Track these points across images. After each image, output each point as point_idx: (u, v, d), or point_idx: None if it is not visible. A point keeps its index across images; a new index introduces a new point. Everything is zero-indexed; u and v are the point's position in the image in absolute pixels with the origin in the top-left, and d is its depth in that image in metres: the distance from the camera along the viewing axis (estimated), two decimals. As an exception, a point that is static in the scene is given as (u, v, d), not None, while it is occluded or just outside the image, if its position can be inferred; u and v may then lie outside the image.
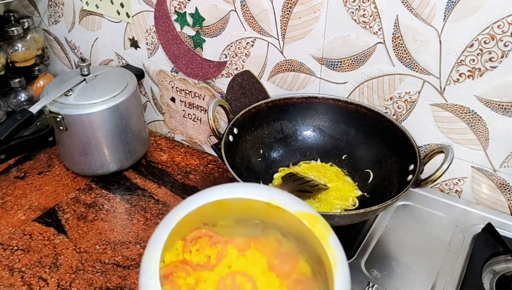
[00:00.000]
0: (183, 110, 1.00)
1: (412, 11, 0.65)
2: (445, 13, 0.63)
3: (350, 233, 0.68)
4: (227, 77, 0.89)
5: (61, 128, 0.85)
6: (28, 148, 0.86)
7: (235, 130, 0.73)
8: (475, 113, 0.68)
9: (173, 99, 1.00)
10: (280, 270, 0.48)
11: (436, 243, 0.67)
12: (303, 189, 0.68)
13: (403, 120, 0.75)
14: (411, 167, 0.66)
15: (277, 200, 0.47)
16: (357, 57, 0.73)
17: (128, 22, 0.97)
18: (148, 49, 0.97)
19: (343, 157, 0.78)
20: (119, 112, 0.87)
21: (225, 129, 0.72)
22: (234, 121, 0.73)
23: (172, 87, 0.98)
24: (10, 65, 1.07)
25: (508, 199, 0.72)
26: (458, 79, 0.67)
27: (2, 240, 0.78)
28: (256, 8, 0.77)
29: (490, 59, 0.63)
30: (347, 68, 0.75)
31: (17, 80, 1.06)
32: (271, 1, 0.75)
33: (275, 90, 0.84)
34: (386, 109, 0.75)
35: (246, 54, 0.84)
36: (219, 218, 0.50)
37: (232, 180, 0.82)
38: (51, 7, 1.09)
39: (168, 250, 0.48)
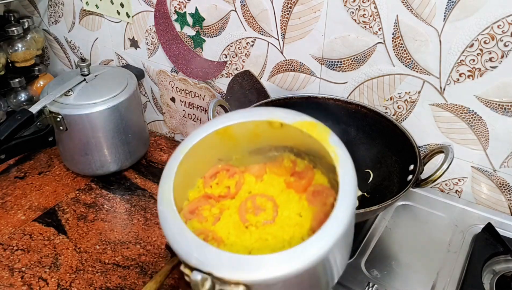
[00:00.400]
0: (183, 110, 1.00)
1: (412, 11, 0.65)
2: (445, 13, 0.63)
3: (350, 233, 0.68)
4: (227, 77, 0.89)
5: (61, 128, 0.85)
6: (28, 148, 0.86)
7: (235, 130, 0.73)
8: (475, 113, 0.68)
9: (173, 99, 1.00)
10: (298, 185, 0.50)
11: (436, 243, 0.67)
12: None
13: (403, 120, 0.74)
14: (411, 167, 0.66)
15: (276, 116, 0.49)
16: (357, 57, 0.73)
17: (128, 22, 0.97)
18: (148, 49, 0.97)
19: (343, 157, 0.77)
20: (119, 112, 0.87)
21: (225, 129, 0.72)
22: (234, 121, 0.73)
23: (172, 87, 0.98)
24: (10, 65, 1.07)
25: (508, 199, 0.72)
26: (458, 79, 0.67)
27: (2, 240, 0.78)
28: (256, 8, 0.77)
29: (490, 59, 0.63)
30: (347, 68, 0.75)
31: (17, 80, 1.06)
32: (271, 1, 0.75)
33: (275, 90, 0.84)
34: (386, 109, 0.75)
35: (246, 54, 0.84)
36: (231, 152, 0.52)
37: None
38: (51, 7, 1.09)
39: (190, 189, 0.51)
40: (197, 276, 0.39)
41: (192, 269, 0.40)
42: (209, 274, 0.39)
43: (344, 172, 0.44)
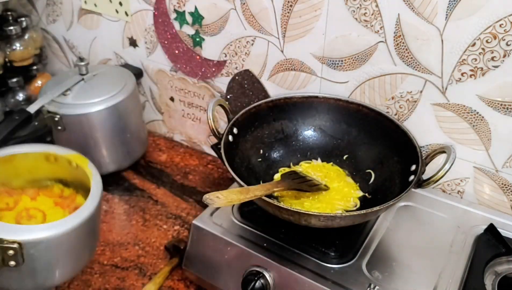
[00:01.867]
0: (182, 110, 1.00)
1: (414, 10, 0.64)
2: (447, 11, 0.62)
3: (351, 234, 0.67)
4: (226, 76, 0.88)
5: (59, 128, 0.84)
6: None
7: (235, 130, 0.73)
8: (477, 113, 0.67)
9: (172, 99, 1.00)
10: (63, 204, 0.69)
11: (438, 244, 0.66)
12: (301, 188, 0.68)
13: (405, 120, 0.74)
14: (413, 167, 0.65)
15: (51, 149, 0.71)
16: (358, 56, 0.72)
17: (126, 21, 0.96)
18: (147, 48, 0.97)
19: (344, 158, 0.77)
20: (118, 111, 0.87)
21: (224, 129, 0.71)
22: (234, 121, 0.73)
23: (171, 87, 0.98)
24: (8, 64, 1.07)
25: (511, 200, 0.71)
26: (460, 79, 0.66)
27: (0, 241, 0.77)
28: (256, 7, 0.77)
29: (493, 58, 0.62)
30: (348, 67, 0.74)
31: (15, 79, 1.05)
32: (271, -1, 0.74)
33: (275, 89, 0.83)
34: (387, 108, 0.75)
35: (246, 53, 0.83)
36: (12, 179, 0.70)
37: (232, 180, 0.81)
38: (49, 6, 1.09)
39: None
40: None
41: None
42: None
43: (95, 182, 0.65)
